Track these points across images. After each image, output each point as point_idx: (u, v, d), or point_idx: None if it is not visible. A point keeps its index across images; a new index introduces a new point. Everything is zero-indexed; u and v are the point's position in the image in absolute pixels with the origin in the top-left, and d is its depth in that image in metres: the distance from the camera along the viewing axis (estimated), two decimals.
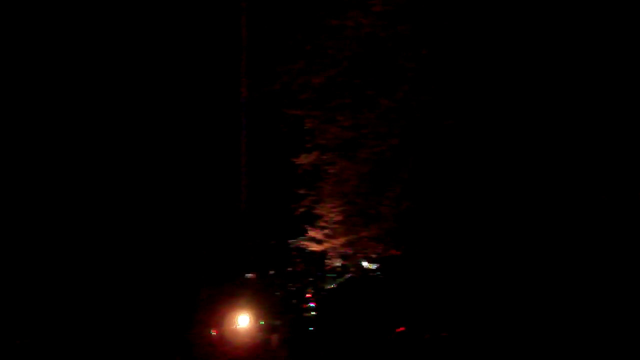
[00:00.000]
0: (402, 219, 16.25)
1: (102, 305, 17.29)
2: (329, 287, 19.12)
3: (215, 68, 18.48)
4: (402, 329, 15.61)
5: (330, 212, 17.10)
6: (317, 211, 17.23)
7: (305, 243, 17.70)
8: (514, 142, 14.19)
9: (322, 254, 17.69)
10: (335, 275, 18.55)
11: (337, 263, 17.99)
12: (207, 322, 17.97)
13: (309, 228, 17.39)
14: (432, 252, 15.63)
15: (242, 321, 18.28)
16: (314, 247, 17.69)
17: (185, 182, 18.89)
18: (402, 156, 16.15)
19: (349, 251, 17.50)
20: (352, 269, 17.97)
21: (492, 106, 14.34)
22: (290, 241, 17.74)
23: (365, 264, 17.56)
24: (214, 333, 17.65)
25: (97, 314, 17.09)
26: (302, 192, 16.80)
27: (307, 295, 20.12)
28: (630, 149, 12.39)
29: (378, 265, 17.17)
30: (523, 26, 13.33)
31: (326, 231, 17.28)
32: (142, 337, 17.24)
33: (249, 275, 20.05)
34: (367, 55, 15.13)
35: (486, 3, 13.57)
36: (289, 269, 19.83)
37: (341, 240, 17.33)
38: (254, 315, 18.74)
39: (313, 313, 19.04)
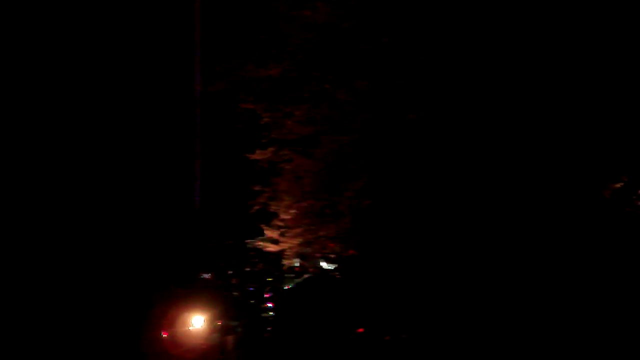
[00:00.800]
0: (361, 217, 15.78)
1: (50, 307, 16.71)
2: (287, 287, 18.87)
3: (168, 63, 17.68)
4: (361, 330, 15.38)
5: (287, 211, 16.49)
6: (273, 209, 16.54)
7: (261, 243, 17.13)
8: (478, 136, 13.85)
9: (280, 254, 17.16)
10: (293, 275, 18.22)
11: (296, 263, 17.58)
12: (158, 323, 17.46)
13: (265, 227, 16.82)
14: (392, 251, 15.29)
15: (196, 322, 17.90)
16: (271, 247, 17.16)
17: (137, 180, 18.13)
18: (362, 152, 15.63)
19: (307, 251, 16.90)
20: (310, 269, 17.60)
21: (456, 98, 13.88)
22: (247, 241, 17.15)
23: (323, 264, 17.24)
24: (164, 335, 16.61)
25: (44, 316, 16.51)
26: (257, 189, 16.02)
27: (265, 295, 19.87)
28: (616, 147, 12.25)
29: (336, 265, 16.83)
30: (493, 12, 12.95)
31: (282, 230, 16.77)
32: (89, 339, 16.43)
33: (206, 275, 19.50)
34: (325, 46, 14.50)
35: None
36: (246, 268, 19.36)
37: (298, 239, 16.86)
38: (210, 316, 18.32)
39: (271, 313, 18.84)
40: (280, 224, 16.76)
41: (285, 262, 17.36)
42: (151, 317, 17.34)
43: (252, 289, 19.93)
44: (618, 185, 12.27)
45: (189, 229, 18.50)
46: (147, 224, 18.08)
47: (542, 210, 12.72)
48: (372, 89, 14.88)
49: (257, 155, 15.98)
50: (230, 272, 19.66)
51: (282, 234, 16.88)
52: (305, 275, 17.86)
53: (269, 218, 16.88)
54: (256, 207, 16.42)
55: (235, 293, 19.82)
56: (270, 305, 19.32)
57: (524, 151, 13.02)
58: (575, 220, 12.20)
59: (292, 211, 16.53)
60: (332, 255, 16.80)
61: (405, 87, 14.56)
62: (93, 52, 17.35)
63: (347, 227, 16.16)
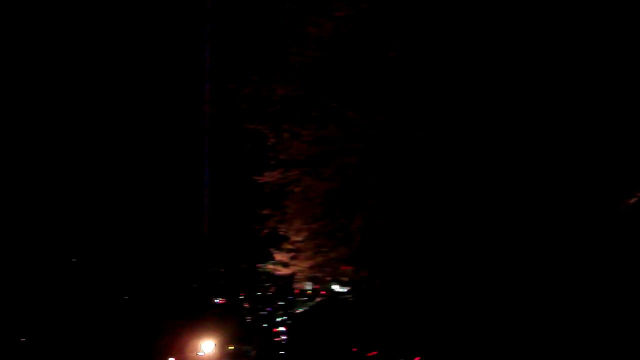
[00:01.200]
0: (373, 238, 15.41)
1: (56, 337, 16.37)
2: (299, 310, 18.43)
3: (177, 86, 17.42)
4: (374, 353, 15.02)
5: (296, 234, 16.14)
6: (283, 232, 16.15)
7: (271, 267, 16.88)
8: (488, 156, 13.46)
9: (291, 278, 16.85)
10: (306, 298, 17.94)
11: (308, 287, 17.43)
12: (168, 350, 16.87)
13: (274, 251, 16.54)
14: (404, 272, 14.89)
15: (206, 347, 17.82)
16: (281, 271, 16.84)
17: (145, 204, 17.83)
18: (370, 172, 15.30)
19: (318, 274, 16.56)
20: (322, 293, 17.36)
21: (463, 113, 13.54)
22: (259, 265, 16.96)
23: (335, 287, 17.03)
24: None
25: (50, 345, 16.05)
26: (266, 212, 15.62)
27: (278, 319, 20.34)
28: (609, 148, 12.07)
29: (349, 288, 16.49)
30: (498, 31, 12.77)
31: (293, 254, 16.46)
32: None
33: (218, 300, 19.01)
34: (332, 64, 14.16)
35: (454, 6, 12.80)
36: (258, 293, 18.90)
37: (309, 262, 16.53)
38: (220, 341, 17.89)
39: (284, 337, 18.55)
40: (290, 247, 16.45)
41: (297, 285, 17.04)
42: (160, 344, 16.78)
43: (264, 312, 19.82)
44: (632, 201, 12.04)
45: (199, 253, 18.16)
46: (158, 250, 17.72)
47: (559, 226, 12.49)
48: (380, 108, 14.43)
49: (266, 177, 15.59)
50: (242, 296, 19.22)
51: (292, 257, 16.58)
52: (318, 299, 17.66)
53: (278, 241, 16.58)
54: (265, 231, 15.82)
55: (248, 317, 19.35)
56: (283, 329, 19.32)
57: (537, 168, 12.80)
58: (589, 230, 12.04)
59: (303, 234, 16.03)
60: (344, 278, 16.38)
61: (412, 107, 14.00)
62: (107, 69, 17.06)
63: (359, 249, 15.71)
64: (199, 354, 17.38)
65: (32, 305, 16.00)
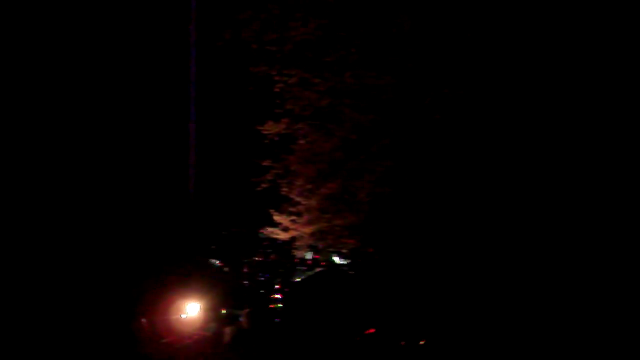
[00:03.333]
0: (381, 207, 13.98)
1: (37, 295, 14.92)
2: (297, 279, 17.67)
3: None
4: (372, 330, 13.99)
5: (299, 194, 14.48)
6: (284, 191, 14.54)
7: (269, 229, 15.32)
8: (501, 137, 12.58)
9: (291, 244, 15.65)
10: (305, 267, 17.15)
11: (308, 256, 16.54)
12: (147, 310, 15.52)
13: (274, 213, 15.01)
14: (411, 248, 13.64)
15: (191, 310, 15.96)
16: (280, 235, 15.32)
17: (129, 154, 16.16)
18: (384, 133, 13.71)
19: (319, 241, 15.21)
20: (322, 263, 16.41)
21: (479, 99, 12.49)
22: (261, 230, 15.56)
23: (336, 258, 16.00)
24: (143, 321, 15.08)
25: (31, 303, 14.72)
26: (266, 164, 14.01)
27: (276, 286, 18.67)
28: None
29: (349, 260, 15.43)
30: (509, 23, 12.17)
31: (294, 217, 14.92)
32: (73, 326, 14.65)
33: (216, 262, 18.31)
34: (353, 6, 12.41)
35: None
36: (257, 258, 18.33)
37: (311, 228, 14.99)
38: (208, 304, 16.48)
39: (279, 305, 17.61)
40: (292, 209, 14.95)
41: (296, 252, 15.75)
42: (141, 303, 15.50)
43: (262, 278, 18.81)
44: None
45: (185, 210, 16.57)
46: (141, 206, 16.11)
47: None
48: (401, 64, 12.75)
49: (269, 127, 13.89)
50: (242, 260, 18.35)
51: (293, 221, 15.03)
52: (317, 269, 16.69)
53: (278, 202, 15.02)
54: (264, 185, 14.28)
55: (245, 282, 18.71)
56: (278, 296, 18.09)
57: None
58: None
59: (305, 194, 14.40)
60: (345, 251, 15.27)
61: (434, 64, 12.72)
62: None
63: (365, 218, 14.27)
64: (182, 315, 15.53)
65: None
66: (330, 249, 15.63)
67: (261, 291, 18.65)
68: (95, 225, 15.77)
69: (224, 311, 17.20)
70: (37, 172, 15.24)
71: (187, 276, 16.52)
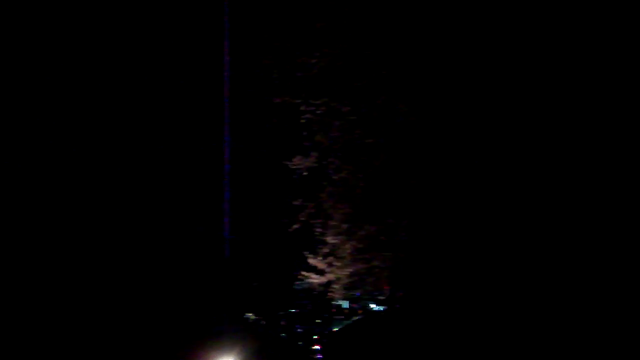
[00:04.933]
0: (419, 247, 13.16)
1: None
2: (335, 329, 16.64)
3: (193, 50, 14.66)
4: None
5: (335, 236, 13.47)
6: (318, 231, 13.63)
7: (304, 274, 14.42)
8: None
9: (327, 292, 14.91)
10: (342, 317, 16.23)
11: (345, 305, 15.71)
12: None
13: (308, 255, 14.11)
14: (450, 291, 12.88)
15: None
16: (314, 279, 14.39)
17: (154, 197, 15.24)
18: (424, 164, 12.85)
19: (356, 286, 14.26)
20: (359, 311, 15.58)
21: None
22: (297, 282, 14.97)
23: (373, 306, 15.26)
24: None
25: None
26: (297, 203, 12.97)
27: (314, 337, 17.48)
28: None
29: (386, 307, 14.75)
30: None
31: (330, 259, 13.94)
32: None
33: (251, 316, 17.22)
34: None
35: None
36: (293, 310, 17.10)
37: (347, 269, 13.92)
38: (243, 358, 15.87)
39: (319, 356, 16.88)
40: (327, 251, 13.97)
41: (333, 296, 14.73)
42: None
43: (300, 330, 17.69)
44: None
45: (220, 261, 15.59)
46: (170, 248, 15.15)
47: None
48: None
49: (297, 162, 12.74)
50: (278, 312, 17.21)
51: (328, 264, 14.07)
52: (354, 318, 15.80)
53: (312, 244, 14.06)
54: (295, 226, 13.19)
55: (282, 334, 17.56)
56: (317, 347, 17.15)
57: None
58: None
59: (341, 236, 13.20)
60: (382, 297, 14.42)
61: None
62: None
63: (406, 257, 13.36)
64: None
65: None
66: (366, 297, 14.86)
67: (299, 343, 17.67)
68: (129, 275, 15.18)
69: None
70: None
71: (221, 331, 15.86)
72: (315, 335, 17.51)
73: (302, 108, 12.45)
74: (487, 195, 12.78)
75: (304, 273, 14.59)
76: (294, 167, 13.30)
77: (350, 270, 13.99)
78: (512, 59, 12.17)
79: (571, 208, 11.91)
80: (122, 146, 14.41)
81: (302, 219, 13.23)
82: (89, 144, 14.84)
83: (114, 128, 14.59)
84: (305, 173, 13.08)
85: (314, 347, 17.32)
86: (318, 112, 12.45)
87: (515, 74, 12.14)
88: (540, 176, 12.30)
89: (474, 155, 12.77)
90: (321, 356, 16.88)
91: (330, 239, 13.86)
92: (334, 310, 16.09)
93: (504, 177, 12.62)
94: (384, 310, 14.81)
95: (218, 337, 15.89)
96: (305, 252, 14.26)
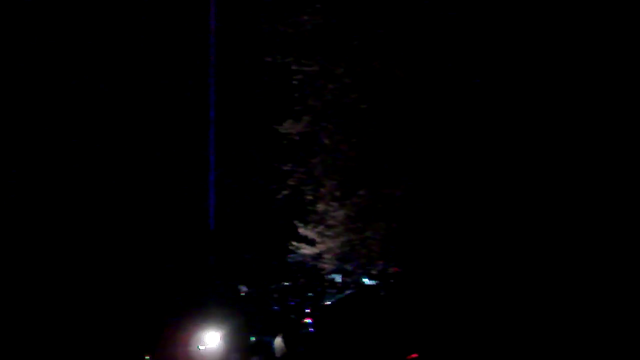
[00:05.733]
0: (418, 217, 12.54)
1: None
2: (327, 302, 16.40)
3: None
4: (414, 355, 12.94)
5: (326, 204, 13.02)
6: (309, 199, 13.26)
7: (294, 244, 13.98)
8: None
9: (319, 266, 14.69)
10: (335, 291, 16.02)
11: (338, 279, 15.51)
12: (163, 343, 14.63)
13: (298, 225, 13.61)
14: (450, 264, 12.44)
15: (209, 340, 14.84)
16: (305, 250, 13.93)
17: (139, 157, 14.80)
18: (422, 131, 12.29)
19: (348, 257, 13.76)
20: (352, 285, 15.23)
21: None
22: (290, 255, 14.63)
23: (366, 280, 14.92)
24: (147, 357, 14.22)
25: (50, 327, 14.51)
26: (287, 168, 12.41)
27: (306, 310, 17.37)
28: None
29: (379, 281, 14.41)
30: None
31: (321, 228, 13.44)
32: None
33: (244, 288, 17.14)
34: None
35: None
36: (285, 283, 17.15)
37: (340, 239, 13.44)
38: (230, 333, 15.45)
39: (311, 330, 16.58)
40: (318, 220, 13.42)
41: (325, 267, 14.29)
42: (158, 337, 14.68)
43: (292, 303, 17.71)
44: None
45: (205, 232, 15.21)
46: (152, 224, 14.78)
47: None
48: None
49: (288, 126, 12.17)
50: (270, 285, 17.30)
51: (320, 233, 13.55)
52: (347, 292, 15.47)
53: (303, 212, 13.59)
54: (285, 192, 12.76)
55: (275, 307, 17.50)
56: (309, 320, 16.79)
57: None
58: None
59: (333, 204, 12.74)
60: (375, 272, 14.10)
61: None
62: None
63: (399, 228, 12.80)
64: (200, 347, 14.50)
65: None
66: (360, 270, 14.45)
67: (292, 316, 17.54)
68: (109, 246, 15.06)
69: (252, 339, 16.16)
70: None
71: (205, 304, 15.57)
72: (307, 308, 17.36)
73: (294, 67, 11.75)
74: (489, 167, 12.26)
75: (294, 243, 14.15)
76: (285, 131, 12.63)
77: (342, 239, 13.45)
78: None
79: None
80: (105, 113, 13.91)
81: (292, 183, 12.58)
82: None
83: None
84: (296, 138, 12.38)
85: (306, 320, 16.93)
86: (310, 73, 11.74)
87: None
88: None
89: (475, 124, 12.14)
90: (313, 329, 16.51)
91: (321, 207, 13.25)
92: (327, 283, 15.96)
93: (507, 147, 12.14)
94: (377, 284, 14.51)
95: (204, 310, 15.46)
96: (295, 221, 13.76)
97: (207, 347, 14.88)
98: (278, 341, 16.09)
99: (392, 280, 13.58)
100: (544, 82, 11.64)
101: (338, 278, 15.81)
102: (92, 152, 14.92)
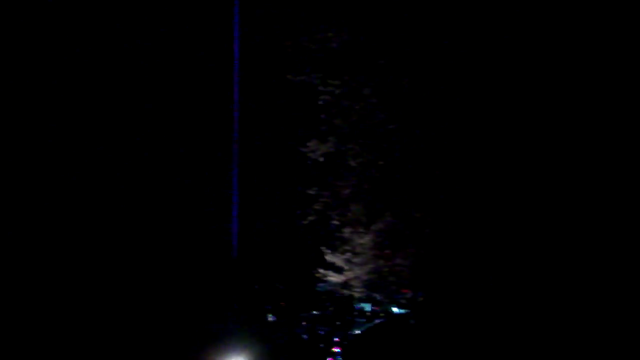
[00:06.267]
0: (445, 244, 12.06)
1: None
2: (357, 332, 16.33)
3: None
4: None
5: (353, 229, 12.52)
6: (336, 224, 12.68)
7: (321, 271, 13.47)
8: None
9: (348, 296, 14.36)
10: (364, 320, 15.94)
11: (367, 308, 15.38)
12: None
13: (325, 252, 13.14)
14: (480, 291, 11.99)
15: None
16: (333, 278, 13.44)
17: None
18: (454, 153, 11.79)
19: (377, 285, 13.33)
20: (381, 314, 15.13)
21: None
22: (319, 284, 14.27)
23: (395, 309, 14.73)
24: None
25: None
26: (312, 192, 11.98)
27: (335, 339, 17.27)
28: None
29: (408, 310, 14.15)
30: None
31: (348, 255, 12.96)
32: None
33: (272, 318, 17.11)
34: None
35: None
36: (314, 312, 16.95)
37: (368, 267, 12.97)
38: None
39: (340, 359, 16.66)
40: (346, 247, 12.96)
41: (353, 293, 13.86)
42: None
43: (321, 332, 17.53)
44: None
45: (227, 259, 14.83)
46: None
47: None
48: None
49: (313, 147, 11.67)
50: (299, 314, 17.06)
51: (347, 260, 13.07)
52: (376, 320, 15.44)
53: (330, 239, 13.10)
54: (310, 218, 12.23)
55: (303, 336, 17.33)
56: (338, 349, 16.86)
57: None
58: None
59: (360, 229, 12.23)
60: (404, 301, 13.83)
61: None
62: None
63: (429, 255, 12.30)
64: None
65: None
66: (388, 300, 14.27)
67: (320, 345, 17.38)
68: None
69: None
70: None
71: (230, 331, 15.22)
72: (336, 337, 17.12)
73: (320, 88, 11.31)
74: (519, 188, 11.65)
75: (321, 271, 13.69)
76: (309, 152, 12.15)
77: (370, 266, 12.97)
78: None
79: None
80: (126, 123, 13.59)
81: (317, 208, 12.09)
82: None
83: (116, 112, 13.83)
84: (321, 159, 11.91)
85: (334, 350, 16.86)
86: (337, 92, 11.30)
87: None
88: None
89: (506, 145, 11.62)
90: (341, 359, 16.40)
91: (347, 233, 12.75)
92: (356, 312, 15.74)
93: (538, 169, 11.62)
94: (406, 313, 14.25)
95: (227, 338, 15.16)
96: (322, 248, 13.31)
97: None
98: None
99: (421, 309, 13.09)
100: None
101: (367, 307, 15.64)
102: (115, 167, 14.55)
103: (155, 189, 13.95)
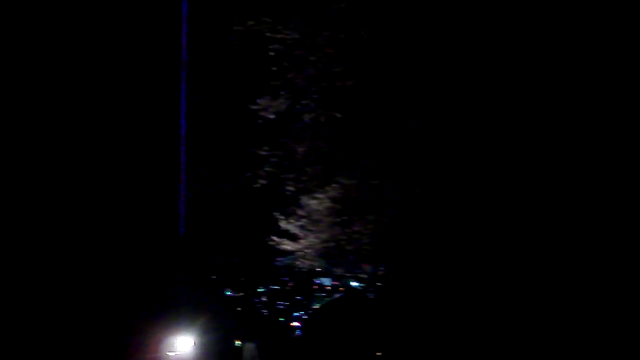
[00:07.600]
0: (410, 212, 11.27)
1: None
2: (316, 306, 16.80)
3: None
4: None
5: (308, 193, 11.67)
6: (290, 188, 11.80)
7: (275, 239, 12.61)
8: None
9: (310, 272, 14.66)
10: (324, 294, 16.38)
11: (327, 282, 15.81)
12: (134, 350, 14.16)
13: (279, 217, 12.29)
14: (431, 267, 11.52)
15: (181, 345, 14.29)
16: (287, 246, 12.58)
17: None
18: (415, 112, 10.89)
19: (333, 253, 12.50)
20: (341, 289, 15.31)
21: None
22: (278, 259, 13.90)
23: (354, 283, 14.81)
24: None
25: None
26: (264, 152, 11.17)
27: (294, 314, 18.03)
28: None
29: (366, 285, 14.06)
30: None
31: (303, 221, 12.12)
32: None
33: (231, 292, 17.40)
34: None
35: None
36: (274, 287, 17.45)
37: (324, 235, 12.11)
38: (207, 337, 15.10)
39: (299, 333, 17.22)
40: (302, 213, 12.09)
41: (305, 261, 12.94)
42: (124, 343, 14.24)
43: (281, 307, 18.24)
44: None
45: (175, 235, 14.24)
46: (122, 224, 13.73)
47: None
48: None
49: (265, 104, 10.70)
50: (257, 289, 17.62)
51: (302, 227, 12.22)
52: (336, 295, 15.69)
53: (284, 203, 12.26)
54: (262, 181, 11.44)
55: (263, 311, 18.03)
56: (297, 324, 17.58)
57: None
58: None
59: (315, 194, 11.55)
60: (363, 276, 13.83)
61: None
62: None
63: (392, 223, 11.46)
64: (170, 353, 13.94)
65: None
66: (348, 274, 14.38)
67: (280, 319, 18.00)
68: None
69: (238, 343, 16.38)
70: None
71: (180, 308, 15.07)
72: (295, 312, 17.66)
73: (269, 34, 10.29)
74: (487, 159, 11.04)
75: (275, 238, 12.87)
76: (260, 110, 11.19)
77: (327, 235, 12.11)
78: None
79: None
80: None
81: (269, 169, 11.15)
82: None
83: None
84: (272, 117, 10.96)
85: (294, 324, 17.36)
86: (289, 42, 10.28)
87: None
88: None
89: (472, 108, 10.85)
90: (301, 332, 16.86)
91: (303, 198, 11.90)
92: (315, 287, 16.20)
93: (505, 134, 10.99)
94: (365, 287, 14.11)
95: (175, 314, 14.96)
96: (275, 214, 12.51)
97: (178, 353, 14.25)
98: (249, 347, 16.04)
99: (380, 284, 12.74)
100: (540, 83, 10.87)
101: (327, 282, 16.11)
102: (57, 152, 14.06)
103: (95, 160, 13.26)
